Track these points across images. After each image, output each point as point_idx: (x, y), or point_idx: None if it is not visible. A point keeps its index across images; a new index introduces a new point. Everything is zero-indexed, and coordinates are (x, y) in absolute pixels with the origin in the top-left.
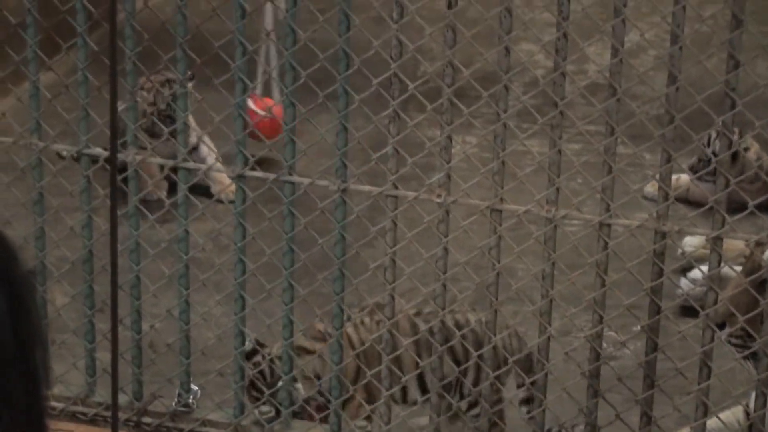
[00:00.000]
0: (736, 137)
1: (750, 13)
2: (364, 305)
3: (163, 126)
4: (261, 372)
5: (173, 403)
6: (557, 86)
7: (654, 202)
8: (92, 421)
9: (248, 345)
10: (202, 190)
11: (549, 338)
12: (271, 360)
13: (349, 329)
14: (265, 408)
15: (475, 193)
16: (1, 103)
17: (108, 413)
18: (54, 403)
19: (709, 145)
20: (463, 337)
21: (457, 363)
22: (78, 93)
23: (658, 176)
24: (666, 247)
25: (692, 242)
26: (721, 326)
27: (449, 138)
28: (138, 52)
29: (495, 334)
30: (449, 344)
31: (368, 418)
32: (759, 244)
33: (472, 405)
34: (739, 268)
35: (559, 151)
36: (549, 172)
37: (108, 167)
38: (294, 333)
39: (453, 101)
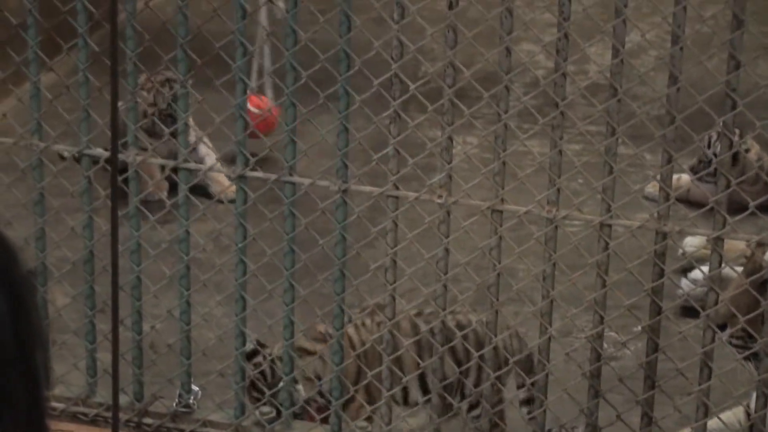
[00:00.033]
0: (736, 138)
1: (751, 14)
2: (365, 306)
3: (164, 126)
4: (262, 373)
5: (174, 404)
6: (558, 87)
7: (655, 203)
8: (93, 421)
9: (249, 346)
10: (201, 190)
11: (550, 339)
12: (272, 360)
13: (350, 330)
14: (265, 409)
15: (475, 194)
16: (2, 104)
17: (109, 414)
18: (55, 404)
19: (709, 146)
20: (465, 337)
21: (459, 364)
22: (79, 94)
23: (658, 177)
24: (667, 248)
25: (693, 242)
26: (722, 327)
27: (450, 138)
28: (139, 52)
29: (496, 335)
30: (451, 344)
31: (369, 419)
32: (760, 244)
33: (473, 406)
34: (740, 269)
35: (560, 152)
36: (550, 173)
37: (109, 168)
38: (295, 333)
39: (454, 102)
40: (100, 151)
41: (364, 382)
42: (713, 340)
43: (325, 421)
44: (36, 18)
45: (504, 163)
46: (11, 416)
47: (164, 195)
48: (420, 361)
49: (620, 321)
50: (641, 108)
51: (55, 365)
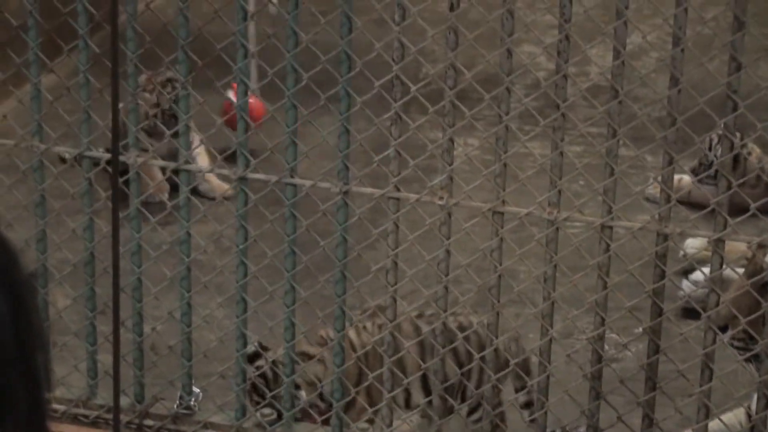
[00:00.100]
0: (737, 141)
1: (752, 15)
2: (366, 307)
3: (166, 126)
4: (264, 377)
5: (175, 406)
6: (559, 88)
7: (656, 204)
8: (94, 423)
9: (250, 348)
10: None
11: (551, 340)
12: (274, 364)
13: (352, 334)
14: (266, 410)
15: (476, 195)
16: (3, 105)
17: (109, 416)
18: (55, 406)
19: (710, 149)
20: (467, 339)
21: (461, 366)
22: (79, 95)
23: (659, 178)
24: (668, 249)
25: (694, 244)
26: (723, 328)
27: (451, 140)
28: (140, 54)
29: (497, 336)
30: (452, 346)
31: (371, 422)
32: (761, 246)
33: (472, 410)
34: (741, 271)
35: (561, 153)
36: (551, 174)
37: (110, 169)
38: (296, 335)
39: (455, 103)
40: (100, 153)
41: (366, 383)
42: (714, 342)
43: (326, 423)
44: (37, 19)
45: (505, 165)
46: (12, 417)
47: (165, 196)
48: (422, 363)
49: (621, 322)
50: (642, 110)
51: (55, 367)
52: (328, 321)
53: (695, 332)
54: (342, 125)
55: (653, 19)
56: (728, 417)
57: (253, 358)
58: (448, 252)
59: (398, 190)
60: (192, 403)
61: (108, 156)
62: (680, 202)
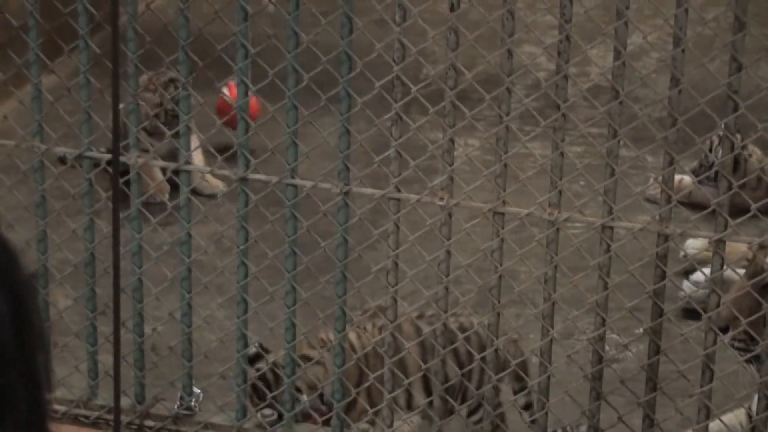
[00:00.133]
0: (738, 141)
1: (753, 16)
2: (367, 308)
3: (169, 127)
4: (265, 380)
5: (175, 406)
6: (559, 89)
7: (656, 205)
8: (94, 424)
9: (252, 349)
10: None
11: (551, 341)
12: (275, 365)
13: (352, 337)
14: (267, 411)
15: (477, 196)
16: (3, 106)
17: (110, 416)
18: (56, 406)
19: (711, 150)
20: (468, 340)
21: (461, 367)
22: (80, 96)
23: (660, 179)
24: (668, 250)
25: (695, 245)
26: (724, 329)
27: (452, 141)
28: (140, 54)
29: (497, 337)
30: (453, 346)
31: (372, 423)
32: (762, 247)
33: (472, 411)
34: (741, 271)
35: (562, 154)
36: (551, 175)
37: (110, 170)
38: (296, 336)
39: (455, 104)
40: (101, 154)
41: (366, 384)
42: (715, 343)
43: (326, 423)
44: (37, 20)
45: (505, 165)
46: (12, 418)
47: (166, 197)
48: (424, 364)
49: (622, 323)
50: (643, 110)
51: (56, 367)
52: (329, 322)
53: (696, 333)
54: (342, 126)
55: (654, 19)
56: (729, 418)
57: (253, 359)
58: (448, 252)
59: (399, 190)
60: (192, 403)
61: (108, 156)
62: (681, 202)
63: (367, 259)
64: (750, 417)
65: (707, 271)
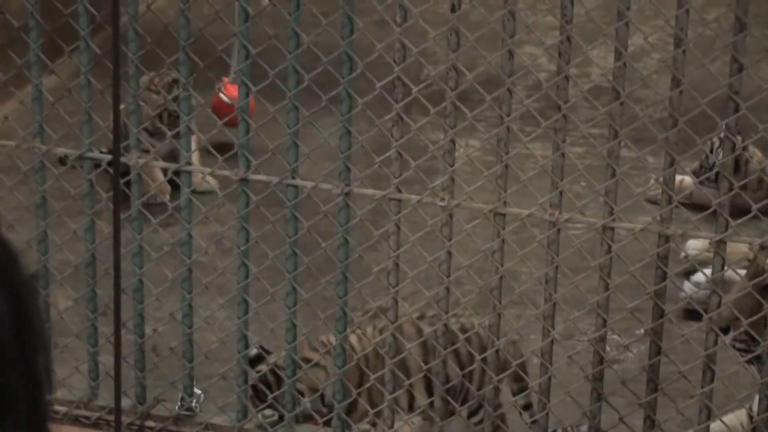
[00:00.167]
0: (738, 142)
1: (754, 16)
2: (367, 308)
3: (169, 128)
4: (267, 382)
5: (176, 407)
6: (560, 89)
7: (657, 206)
8: (95, 424)
9: (253, 350)
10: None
11: (552, 342)
12: (276, 366)
13: (353, 339)
14: (268, 412)
15: (478, 197)
16: (4, 107)
17: (111, 417)
18: (57, 407)
19: (712, 151)
20: (469, 341)
21: (463, 368)
22: (81, 96)
23: (661, 179)
24: (669, 251)
25: (696, 245)
26: (725, 330)
27: (452, 141)
28: (141, 55)
29: (498, 338)
30: (454, 347)
31: (373, 425)
32: (763, 247)
33: (473, 412)
34: (742, 272)
35: (563, 155)
36: (552, 176)
37: (111, 170)
38: (297, 336)
39: (456, 104)
40: (101, 155)
41: (367, 385)
42: (716, 343)
43: (327, 424)
44: (38, 20)
45: (506, 166)
46: (12, 418)
47: (166, 198)
48: (426, 365)
49: (623, 324)
50: (644, 111)
51: (57, 368)
52: (330, 322)
53: (697, 334)
54: (343, 126)
55: (655, 20)
56: (730, 418)
57: (254, 361)
58: (449, 253)
59: (399, 191)
60: (193, 404)
61: (109, 157)
62: (682, 203)
63: (367, 260)
64: (751, 418)
65: (708, 271)
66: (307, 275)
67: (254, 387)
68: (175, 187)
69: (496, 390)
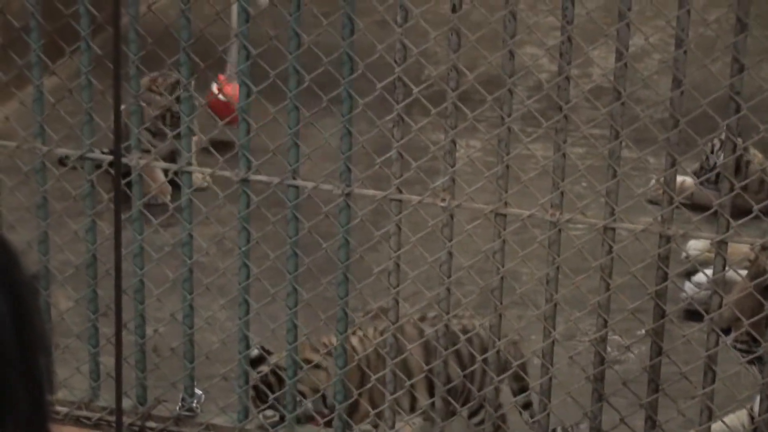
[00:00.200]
0: (740, 142)
1: (755, 17)
2: (368, 309)
3: (171, 129)
4: (268, 383)
5: (177, 408)
6: (561, 90)
7: (658, 206)
8: (96, 425)
9: (254, 351)
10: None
11: (553, 342)
12: (278, 367)
13: (355, 342)
14: (269, 412)
15: (479, 197)
16: (5, 107)
17: (112, 418)
18: (58, 408)
19: (712, 152)
20: (470, 342)
21: (464, 370)
22: (81, 97)
23: (662, 180)
24: (670, 251)
25: (697, 246)
26: (726, 330)
27: (453, 142)
28: (141, 55)
29: (500, 338)
30: (455, 348)
31: (375, 427)
32: (764, 248)
33: (473, 413)
34: (743, 272)
35: (564, 155)
36: (553, 176)
37: (112, 171)
38: (298, 337)
39: (457, 105)
40: (103, 156)
41: (368, 386)
42: (717, 344)
43: (329, 425)
44: (39, 21)
45: (507, 167)
46: (13, 418)
47: (167, 198)
48: (430, 366)
49: (624, 324)
50: (645, 111)
51: (58, 369)
52: (331, 323)
53: (698, 334)
54: (344, 127)
55: (656, 20)
56: (731, 419)
57: (256, 362)
58: (450, 254)
59: (400, 191)
60: (194, 405)
61: (110, 158)
62: (682, 204)
63: (368, 261)
64: (752, 418)
65: (709, 272)
66: (308, 276)
67: (256, 387)
68: (176, 187)
69: (497, 390)
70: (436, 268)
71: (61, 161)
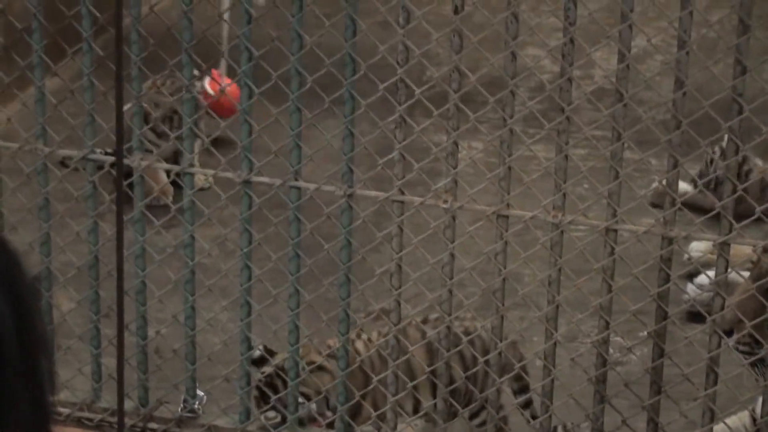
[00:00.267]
0: (741, 156)
1: (757, 18)
2: (370, 310)
3: (177, 131)
4: (273, 385)
5: (179, 409)
6: (564, 91)
7: (660, 208)
8: (98, 426)
9: (256, 352)
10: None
11: (555, 344)
12: (282, 369)
13: (360, 346)
14: (271, 414)
15: (481, 199)
16: (7, 108)
17: (114, 419)
18: (60, 409)
19: (712, 162)
20: (472, 344)
21: (467, 372)
22: (83, 98)
23: (664, 181)
24: (673, 253)
25: (699, 247)
26: (729, 332)
27: (455, 143)
28: (143, 57)
29: (501, 340)
30: (458, 349)
31: (378, 429)
32: (766, 250)
33: (474, 415)
34: (746, 274)
35: (566, 157)
36: (555, 178)
37: (114, 172)
38: (300, 338)
39: (459, 106)
40: (104, 157)
41: (372, 387)
42: (719, 346)
43: (331, 426)
44: (41, 22)
45: (509, 168)
46: (14, 419)
47: (169, 200)
48: (433, 369)
49: (626, 326)
50: (647, 113)
51: (60, 370)
52: (333, 324)
53: (700, 336)
54: (346, 128)
55: (658, 21)
56: (733, 421)
57: (258, 362)
58: (452, 255)
59: (402, 193)
60: (196, 406)
61: (111, 159)
62: (683, 204)
63: (370, 262)
64: (754, 420)
65: (712, 273)
66: (309, 277)
67: (259, 389)
68: (178, 188)
69: (498, 392)
70: (438, 269)
71: (63, 162)
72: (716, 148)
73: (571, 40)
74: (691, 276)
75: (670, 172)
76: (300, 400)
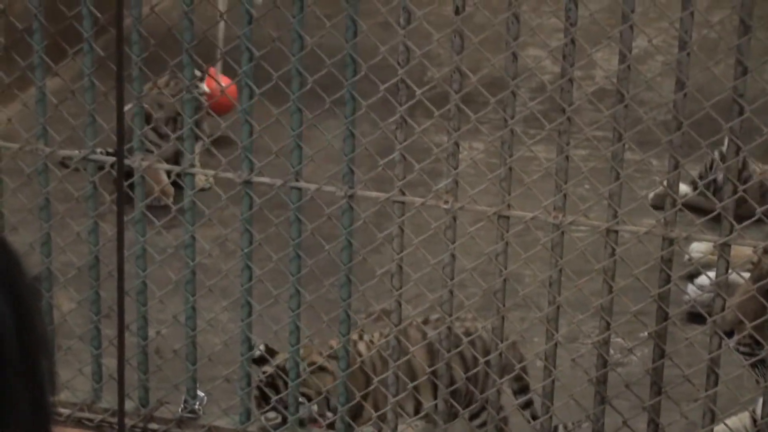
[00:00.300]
0: (741, 162)
1: (758, 19)
2: (371, 311)
3: (177, 132)
4: (274, 385)
5: (180, 410)
6: (564, 92)
7: (661, 209)
8: (98, 427)
9: (257, 352)
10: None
11: (556, 344)
12: (283, 370)
13: (362, 347)
14: (271, 414)
15: (482, 199)
16: (8, 109)
17: (114, 419)
18: (60, 409)
19: (711, 168)
20: (473, 345)
21: (468, 373)
22: (84, 98)
23: (665, 183)
24: (673, 254)
25: (699, 248)
26: (729, 333)
27: (456, 144)
28: (144, 57)
29: (502, 341)
30: (458, 349)
31: (379, 430)
32: (767, 251)
33: (475, 415)
34: (746, 275)
35: (567, 157)
36: (556, 178)
37: (114, 172)
38: (300, 339)
39: (460, 107)
40: (105, 157)
41: (371, 387)
42: (720, 347)
43: (332, 427)
44: (41, 23)
45: (510, 169)
46: (14, 419)
47: (170, 200)
48: (434, 370)
49: (627, 327)
50: (648, 113)
51: (60, 370)
52: (333, 325)
53: (701, 337)
54: (347, 129)
55: (659, 22)
56: (733, 421)
57: (259, 362)
58: (453, 256)
59: (403, 193)
60: (197, 406)
61: (112, 159)
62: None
63: (371, 263)
64: (755, 421)
65: (712, 274)
66: (310, 278)
67: (260, 389)
68: (178, 188)
69: (499, 392)
70: (439, 270)
71: (64, 163)
72: (716, 152)
73: (572, 41)
74: (691, 277)
75: (671, 173)
76: (301, 400)
